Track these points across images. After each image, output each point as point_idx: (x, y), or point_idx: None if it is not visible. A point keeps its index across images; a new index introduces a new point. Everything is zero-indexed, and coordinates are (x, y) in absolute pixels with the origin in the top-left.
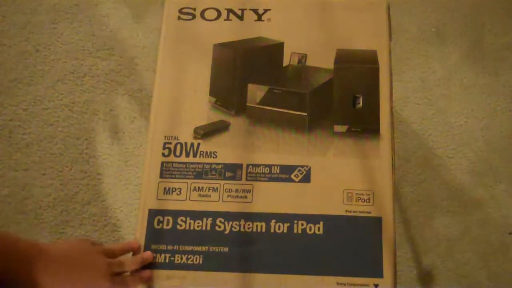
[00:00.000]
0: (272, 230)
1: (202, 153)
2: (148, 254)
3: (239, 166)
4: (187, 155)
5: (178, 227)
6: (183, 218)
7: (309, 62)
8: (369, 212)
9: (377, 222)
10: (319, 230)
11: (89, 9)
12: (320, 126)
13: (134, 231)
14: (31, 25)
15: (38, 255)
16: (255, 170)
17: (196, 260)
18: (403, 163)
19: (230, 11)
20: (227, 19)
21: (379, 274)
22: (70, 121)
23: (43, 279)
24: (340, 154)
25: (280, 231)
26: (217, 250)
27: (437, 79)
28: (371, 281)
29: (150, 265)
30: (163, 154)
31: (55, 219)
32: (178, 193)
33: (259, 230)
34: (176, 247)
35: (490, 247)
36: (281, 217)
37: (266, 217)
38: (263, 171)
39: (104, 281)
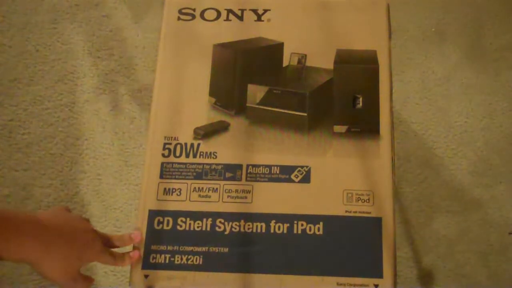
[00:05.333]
0: (272, 231)
1: (202, 153)
2: (136, 233)
3: (239, 166)
4: (187, 156)
5: (178, 227)
6: (183, 219)
7: (309, 62)
8: (369, 212)
9: (377, 222)
10: (319, 231)
11: (89, 9)
12: (320, 126)
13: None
14: (31, 25)
15: (27, 225)
16: (255, 170)
17: (196, 261)
18: (403, 163)
19: (230, 11)
20: (227, 19)
21: (379, 274)
22: (70, 121)
23: (34, 247)
24: (340, 154)
25: (280, 231)
26: (217, 250)
27: (437, 79)
28: (371, 281)
29: (151, 266)
30: (163, 155)
31: None
32: (178, 193)
33: (259, 230)
34: (176, 247)
35: (490, 247)
36: (281, 218)
37: (266, 218)
38: (263, 172)
39: (94, 247)
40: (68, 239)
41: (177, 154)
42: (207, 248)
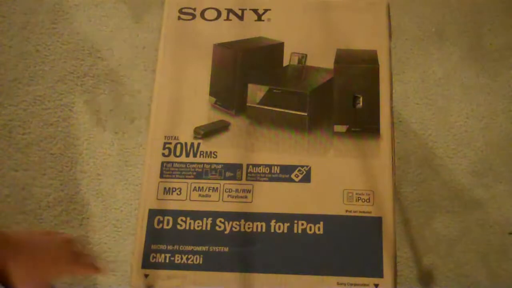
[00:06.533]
0: (272, 230)
1: (202, 153)
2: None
3: (239, 166)
4: (187, 155)
5: (178, 227)
6: (183, 218)
7: (309, 62)
8: (369, 212)
9: (377, 222)
10: (319, 230)
11: (89, 9)
12: (320, 126)
13: (134, 231)
14: (31, 25)
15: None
16: (255, 170)
17: (196, 260)
18: (403, 163)
19: (230, 11)
20: (227, 19)
21: (379, 274)
22: (70, 121)
23: (8, 265)
24: (340, 154)
25: (280, 231)
26: (217, 250)
27: (437, 79)
28: (371, 281)
29: (151, 265)
30: (163, 154)
31: (55, 219)
32: (178, 193)
33: (259, 230)
34: (176, 247)
35: (490, 247)
36: (281, 217)
37: (266, 217)
38: (263, 171)
39: (66, 262)
40: (30, 254)
41: (177, 153)
42: (207, 247)
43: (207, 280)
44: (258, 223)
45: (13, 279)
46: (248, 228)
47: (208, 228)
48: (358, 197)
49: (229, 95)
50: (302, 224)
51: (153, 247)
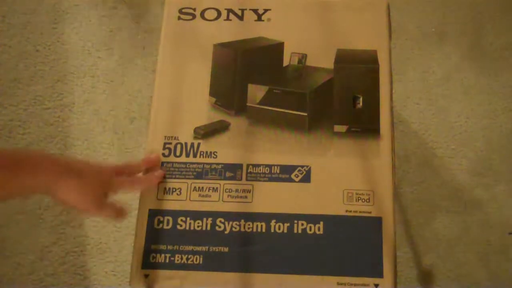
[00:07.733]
0: (272, 230)
1: (202, 153)
2: (152, 155)
3: (239, 166)
4: (187, 155)
5: (178, 227)
6: (183, 218)
7: (309, 62)
8: (369, 212)
9: (377, 222)
10: (319, 230)
11: (89, 9)
12: (320, 126)
13: (134, 231)
14: (31, 25)
15: (39, 159)
16: (255, 170)
17: (196, 260)
18: (403, 163)
19: (230, 11)
20: (227, 19)
21: (379, 274)
22: (70, 121)
23: (47, 176)
24: (340, 154)
25: (280, 231)
26: (217, 250)
27: (437, 79)
28: (371, 281)
29: (151, 265)
30: (163, 154)
31: (55, 219)
32: (178, 193)
33: (259, 230)
34: (176, 247)
35: (490, 247)
36: (281, 217)
37: (266, 217)
38: (263, 171)
39: (106, 174)
40: (79, 169)
41: (177, 153)
42: (207, 247)
43: (207, 280)
44: (258, 223)
45: (64, 195)
46: (248, 228)
47: (208, 228)
48: (358, 197)
49: (229, 95)
50: (302, 224)
51: (153, 247)
